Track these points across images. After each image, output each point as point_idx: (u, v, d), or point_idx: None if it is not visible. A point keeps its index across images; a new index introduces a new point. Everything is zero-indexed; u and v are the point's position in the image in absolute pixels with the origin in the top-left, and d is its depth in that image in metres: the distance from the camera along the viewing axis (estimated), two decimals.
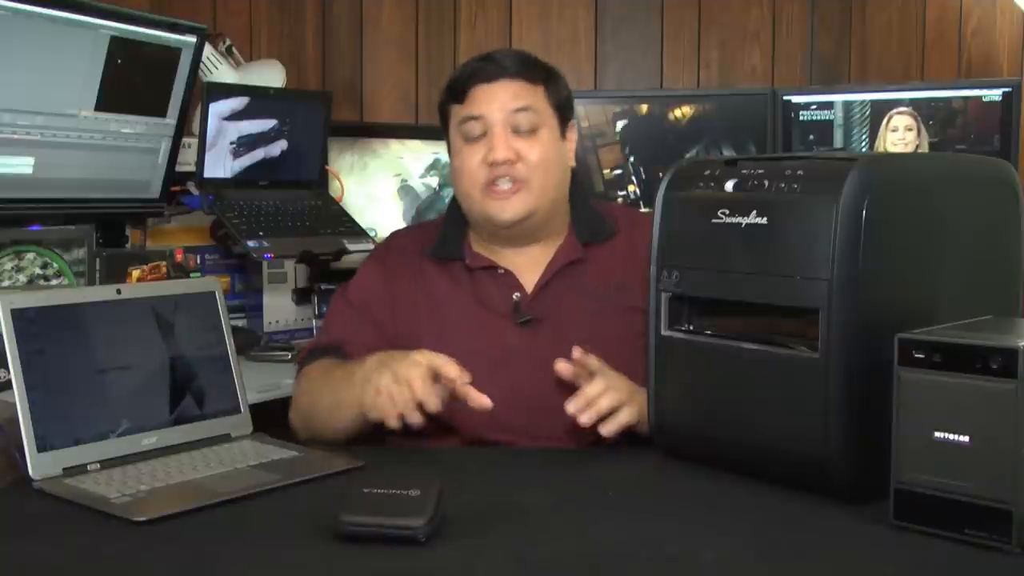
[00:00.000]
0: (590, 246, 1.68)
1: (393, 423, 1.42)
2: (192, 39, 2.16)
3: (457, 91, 1.66)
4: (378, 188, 2.60)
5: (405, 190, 2.63)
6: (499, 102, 1.62)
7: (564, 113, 1.69)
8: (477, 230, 1.70)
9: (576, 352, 1.46)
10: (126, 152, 2.14)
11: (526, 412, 1.56)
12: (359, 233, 2.32)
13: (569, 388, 1.49)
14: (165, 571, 1.04)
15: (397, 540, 1.08)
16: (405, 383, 1.40)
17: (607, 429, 1.43)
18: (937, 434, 1.07)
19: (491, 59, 1.66)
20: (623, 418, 1.44)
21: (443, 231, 1.72)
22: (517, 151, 1.61)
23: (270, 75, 2.50)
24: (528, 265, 1.67)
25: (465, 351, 1.55)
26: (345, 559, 1.06)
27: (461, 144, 1.65)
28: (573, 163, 1.72)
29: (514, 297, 1.64)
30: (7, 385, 1.30)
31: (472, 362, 1.57)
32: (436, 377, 1.41)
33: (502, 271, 1.66)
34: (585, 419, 1.42)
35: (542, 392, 1.54)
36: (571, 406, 1.42)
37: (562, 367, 1.46)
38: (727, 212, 1.27)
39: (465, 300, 1.65)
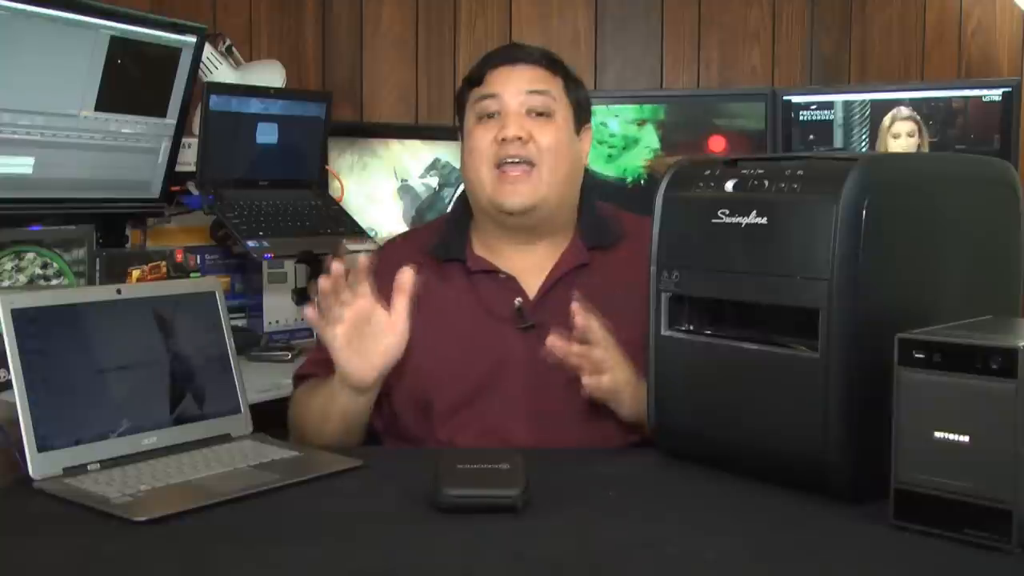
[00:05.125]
0: (595, 251, 1.65)
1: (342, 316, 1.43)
2: (192, 39, 2.16)
3: (475, 76, 1.65)
4: (378, 188, 2.60)
5: (405, 190, 2.63)
6: (516, 83, 1.62)
7: (580, 112, 1.67)
8: (482, 225, 1.67)
9: (578, 317, 1.43)
10: (126, 152, 2.14)
11: (525, 419, 1.54)
12: (359, 233, 2.32)
13: (570, 394, 1.48)
14: (165, 571, 1.04)
15: (494, 509, 1.15)
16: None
17: (587, 380, 1.44)
18: (937, 434, 1.07)
19: (513, 45, 1.69)
20: (606, 381, 1.45)
21: (445, 230, 1.69)
22: (529, 131, 1.59)
23: (270, 75, 2.50)
24: (531, 269, 1.63)
25: (465, 356, 1.53)
26: (345, 558, 1.06)
27: (474, 124, 1.63)
28: (586, 163, 1.70)
29: (516, 302, 1.60)
30: (7, 385, 1.30)
31: (472, 367, 1.56)
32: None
33: (503, 276, 1.63)
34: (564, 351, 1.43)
35: (543, 399, 1.53)
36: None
37: (554, 342, 1.43)
38: (727, 212, 1.27)
39: (465, 304, 1.61)
